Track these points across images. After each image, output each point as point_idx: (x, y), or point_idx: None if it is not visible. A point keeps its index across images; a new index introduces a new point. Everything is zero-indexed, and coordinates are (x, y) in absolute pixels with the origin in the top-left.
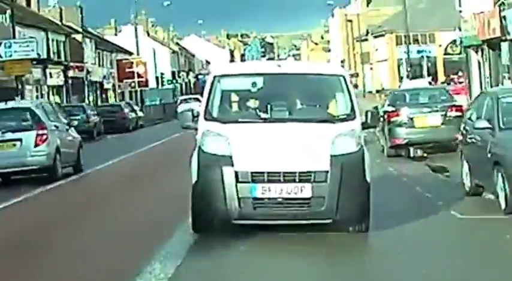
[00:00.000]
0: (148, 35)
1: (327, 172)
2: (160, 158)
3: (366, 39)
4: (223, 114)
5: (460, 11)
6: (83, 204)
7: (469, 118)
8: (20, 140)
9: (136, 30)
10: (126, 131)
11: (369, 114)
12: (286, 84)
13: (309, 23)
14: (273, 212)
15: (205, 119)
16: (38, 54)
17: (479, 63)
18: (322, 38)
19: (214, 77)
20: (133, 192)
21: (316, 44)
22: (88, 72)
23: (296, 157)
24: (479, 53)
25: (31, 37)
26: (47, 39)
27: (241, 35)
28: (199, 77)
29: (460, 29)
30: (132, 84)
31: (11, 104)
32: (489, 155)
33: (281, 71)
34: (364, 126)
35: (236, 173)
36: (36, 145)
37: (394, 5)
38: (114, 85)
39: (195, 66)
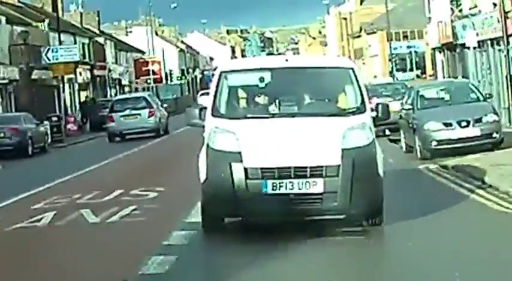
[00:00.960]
0: (157, 34)
1: (339, 166)
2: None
3: (360, 36)
4: (231, 110)
5: (429, 17)
6: (172, 148)
7: (403, 103)
8: (140, 114)
9: (148, 31)
10: None
11: (380, 107)
12: (294, 79)
13: (307, 17)
14: (285, 209)
15: (213, 115)
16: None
17: (442, 62)
18: (319, 32)
19: (221, 72)
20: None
21: (314, 38)
22: (109, 70)
23: (306, 151)
24: (442, 53)
25: (72, 43)
26: (75, 42)
27: (241, 31)
28: (205, 73)
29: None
30: (148, 80)
31: (132, 94)
32: (411, 126)
33: (289, 65)
34: (375, 119)
35: (246, 169)
36: (148, 117)
37: (383, 3)
38: (130, 81)
39: (200, 63)
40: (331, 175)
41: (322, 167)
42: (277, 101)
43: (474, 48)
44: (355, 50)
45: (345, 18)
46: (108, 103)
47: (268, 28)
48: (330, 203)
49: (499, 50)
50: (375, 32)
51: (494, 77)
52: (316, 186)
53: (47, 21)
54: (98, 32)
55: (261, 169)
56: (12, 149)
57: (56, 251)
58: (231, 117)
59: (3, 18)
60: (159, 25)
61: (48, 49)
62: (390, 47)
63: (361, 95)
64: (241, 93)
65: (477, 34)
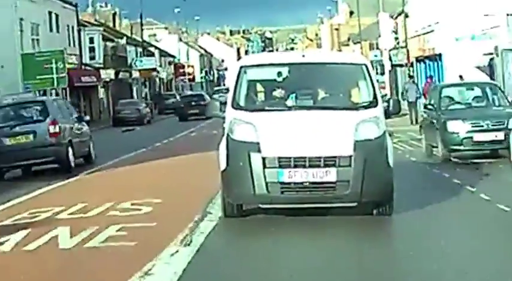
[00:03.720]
0: (181, 40)
1: (351, 156)
2: None
3: (348, 44)
4: (250, 103)
5: (396, 38)
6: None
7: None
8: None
9: (176, 38)
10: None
11: (391, 101)
12: (310, 74)
13: (305, 16)
14: (300, 196)
15: (233, 107)
16: (156, 65)
17: (401, 72)
18: (316, 35)
19: (241, 67)
20: None
21: (311, 40)
22: (158, 72)
23: (321, 142)
24: (403, 67)
25: (134, 51)
26: (136, 51)
27: (243, 31)
28: (220, 73)
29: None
30: (184, 80)
31: (195, 92)
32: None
33: (305, 61)
34: (387, 113)
35: (263, 159)
36: None
37: (370, 16)
38: (169, 80)
39: (213, 64)
40: (344, 164)
41: (335, 157)
42: (293, 95)
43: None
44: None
45: (337, 29)
46: (170, 96)
47: (268, 27)
48: (343, 192)
49: None
50: (359, 42)
51: None
52: (330, 175)
53: (124, 38)
54: (141, 39)
55: (278, 158)
56: (135, 120)
57: None
58: (250, 110)
59: (100, 36)
60: (182, 32)
61: (136, 60)
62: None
63: (374, 89)
64: (260, 87)
65: None
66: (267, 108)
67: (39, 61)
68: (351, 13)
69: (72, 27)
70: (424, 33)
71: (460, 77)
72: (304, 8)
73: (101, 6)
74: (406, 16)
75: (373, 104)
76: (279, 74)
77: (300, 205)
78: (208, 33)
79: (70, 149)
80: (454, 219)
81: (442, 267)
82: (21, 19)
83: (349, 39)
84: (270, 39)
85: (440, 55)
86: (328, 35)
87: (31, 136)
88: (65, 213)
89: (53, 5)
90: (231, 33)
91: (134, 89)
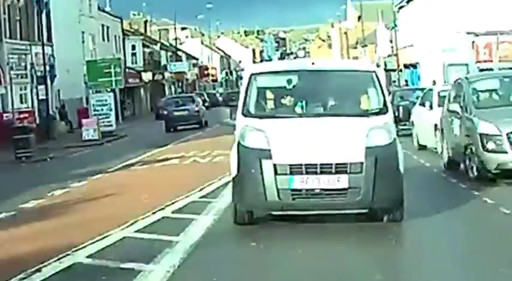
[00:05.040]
0: (202, 43)
1: (362, 163)
2: None
3: (356, 47)
4: (260, 110)
5: (392, 46)
6: None
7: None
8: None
9: (198, 42)
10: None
11: (401, 109)
12: (320, 81)
13: (318, 16)
14: (311, 203)
15: (244, 115)
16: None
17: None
18: (328, 36)
19: (251, 75)
20: None
21: (323, 40)
22: (185, 73)
23: (332, 149)
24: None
25: (164, 54)
26: (167, 56)
27: (257, 32)
28: (238, 73)
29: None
30: (208, 80)
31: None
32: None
33: (315, 68)
34: (396, 120)
35: (275, 165)
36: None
37: (382, 19)
38: (194, 81)
39: (231, 65)
40: (355, 171)
41: (346, 164)
42: (303, 102)
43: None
44: (352, 58)
45: (346, 33)
46: (197, 95)
47: (281, 28)
48: (354, 198)
49: None
50: (366, 45)
51: None
52: (341, 182)
53: (158, 44)
54: (170, 44)
55: (289, 165)
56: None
57: None
58: (260, 117)
59: (140, 43)
60: (203, 35)
61: (170, 64)
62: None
63: (383, 96)
64: (270, 94)
65: None
66: (277, 115)
67: (100, 66)
68: (359, 18)
69: (118, 37)
70: (408, 46)
71: (434, 82)
72: (316, 6)
73: (134, 15)
74: (395, 28)
75: (383, 110)
76: (289, 81)
77: (311, 212)
78: (222, 33)
79: (203, 118)
80: (466, 226)
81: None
82: (83, 32)
83: (357, 43)
84: (284, 39)
85: (417, 64)
86: (338, 38)
87: (186, 111)
88: (192, 153)
89: (105, 19)
90: (246, 33)
91: (166, 88)
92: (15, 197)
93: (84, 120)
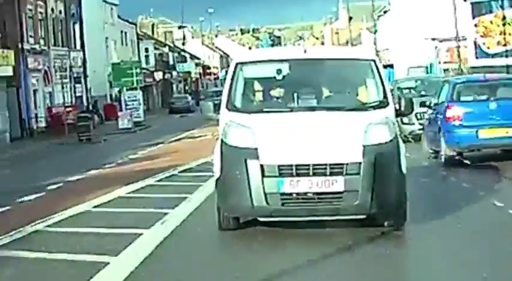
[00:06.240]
0: (203, 43)
1: (360, 163)
2: None
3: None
4: (246, 103)
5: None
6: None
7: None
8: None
9: (198, 41)
10: None
11: (403, 101)
12: (313, 71)
13: (312, 14)
14: (303, 208)
15: (228, 109)
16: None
17: None
18: (322, 35)
19: (237, 64)
20: None
21: (317, 38)
22: (190, 73)
23: (326, 148)
24: None
25: (171, 55)
26: (173, 57)
27: (253, 30)
28: None
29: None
30: (210, 79)
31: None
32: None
33: (307, 57)
34: (398, 114)
35: (262, 166)
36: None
37: (366, 22)
38: (197, 79)
39: (230, 64)
40: (352, 172)
41: (342, 164)
42: (295, 94)
43: None
44: None
45: (337, 33)
46: (199, 92)
47: (276, 26)
48: (351, 203)
49: None
50: (356, 45)
51: None
52: (336, 184)
53: (167, 47)
54: (175, 46)
55: (278, 166)
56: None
57: None
58: (246, 111)
59: (152, 46)
60: (203, 36)
61: (178, 65)
62: None
63: (383, 88)
64: (257, 85)
65: None
66: (265, 109)
67: (123, 68)
68: (350, 18)
69: (133, 41)
70: (385, 49)
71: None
72: (310, 2)
73: (142, 19)
74: (376, 33)
75: (383, 103)
76: (279, 71)
77: (303, 218)
78: (219, 31)
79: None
80: (472, 228)
81: None
82: (107, 38)
83: (347, 43)
84: (279, 37)
85: (392, 65)
86: (330, 38)
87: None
88: (217, 133)
89: (123, 26)
90: (242, 32)
91: (174, 86)
92: (117, 155)
93: (119, 113)
